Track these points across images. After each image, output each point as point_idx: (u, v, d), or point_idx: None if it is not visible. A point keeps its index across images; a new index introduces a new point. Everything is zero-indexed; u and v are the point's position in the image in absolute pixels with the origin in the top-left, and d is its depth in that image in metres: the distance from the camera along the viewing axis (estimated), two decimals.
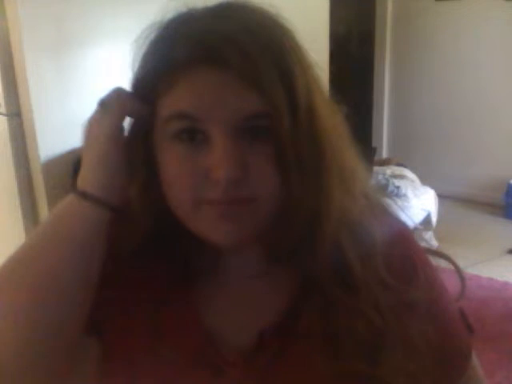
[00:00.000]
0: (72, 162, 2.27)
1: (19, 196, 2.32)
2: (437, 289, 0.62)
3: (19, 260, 0.55)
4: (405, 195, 2.78)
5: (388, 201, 0.66)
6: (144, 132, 0.57)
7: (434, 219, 2.86)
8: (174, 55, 0.52)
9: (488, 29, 3.62)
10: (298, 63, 0.53)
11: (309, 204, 0.54)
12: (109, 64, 2.33)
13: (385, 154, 4.27)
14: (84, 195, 0.54)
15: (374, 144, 4.16)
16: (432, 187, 2.94)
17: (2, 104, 2.23)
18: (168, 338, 0.59)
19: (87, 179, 0.56)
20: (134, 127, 0.58)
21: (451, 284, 0.63)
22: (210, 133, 0.51)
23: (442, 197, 3.13)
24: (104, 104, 0.56)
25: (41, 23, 2.11)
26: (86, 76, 2.27)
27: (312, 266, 0.56)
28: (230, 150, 0.50)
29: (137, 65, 0.56)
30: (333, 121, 0.56)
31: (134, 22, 2.57)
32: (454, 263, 0.64)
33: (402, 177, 2.93)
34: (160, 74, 0.53)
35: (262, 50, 0.50)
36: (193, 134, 0.52)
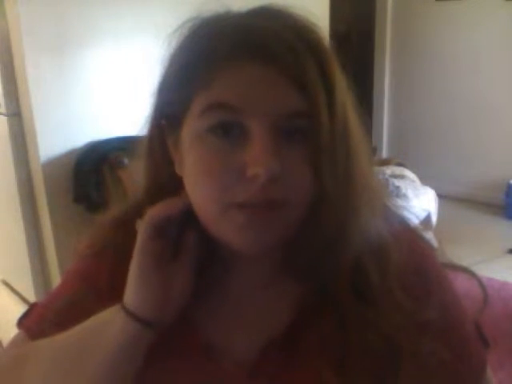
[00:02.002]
0: (72, 162, 2.27)
1: (19, 196, 2.32)
2: (451, 306, 0.60)
3: (54, 366, 0.56)
4: (405, 195, 2.77)
5: (391, 201, 0.65)
6: (164, 139, 0.57)
7: (434, 219, 2.85)
8: (217, 47, 0.50)
9: (488, 29, 3.62)
10: (336, 67, 0.52)
11: (338, 213, 0.52)
12: (109, 64, 2.33)
13: (385, 154, 4.26)
14: (125, 310, 0.54)
15: (374, 144, 4.15)
16: (432, 187, 2.93)
17: (2, 104, 2.22)
18: (169, 353, 0.58)
19: (128, 295, 0.55)
20: (154, 132, 0.58)
21: (465, 287, 0.62)
22: (248, 127, 0.50)
23: (441, 197, 3.12)
24: (137, 224, 0.56)
25: (41, 23, 2.11)
26: (86, 76, 2.27)
27: (330, 279, 0.54)
28: (270, 145, 0.49)
29: (170, 59, 0.55)
30: (360, 129, 0.55)
31: (135, 22, 2.57)
32: (476, 277, 0.63)
33: (402, 177, 2.93)
34: (201, 66, 0.51)
35: (307, 49, 0.50)
36: (228, 129, 0.50)
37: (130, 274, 0.55)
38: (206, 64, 0.51)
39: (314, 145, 0.50)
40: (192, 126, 0.52)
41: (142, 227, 0.54)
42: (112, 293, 0.57)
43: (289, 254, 0.56)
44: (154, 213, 0.54)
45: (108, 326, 0.55)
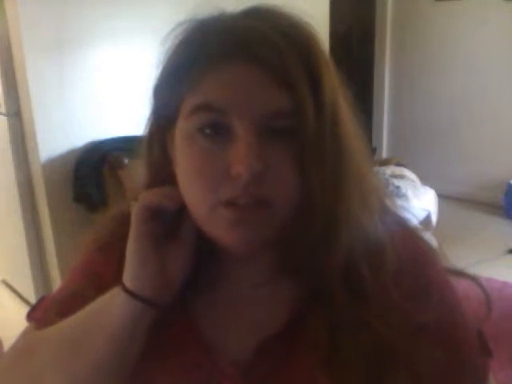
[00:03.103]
0: (72, 162, 2.27)
1: (19, 196, 2.32)
2: (451, 309, 0.59)
3: (61, 346, 0.58)
4: (405, 195, 2.77)
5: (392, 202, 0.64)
6: (163, 139, 0.57)
7: (434, 219, 2.85)
8: (204, 50, 0.52)
9: (488, 29, 3.62)
10: (325, 65, 0.53)
11: (326, 212, 0.52)
12: (109, 64, 2.33)
13: (385, 154, 4.26)
14: (125, 289, 0.55)
15: (373, 144, 4.16)
16: (432, 187, 2.93)
17: (2, 104, 2.22)
18: (166, 351, 0.59)
19: (126, 274, 0.56)
20: (152, 134, 0.59)
21: (463, 288, 0.62)
22: (233, 127, 0.50)
23: (442, 197, 3.12)
24: (133, 204, 0.57)
25: (41, 23, 2.11)
26: (86, 76, 2.27)
27: (323, 276, 0.54)
28: (253, 145, 0.49)
29: (164, 61, 0.56)
30: (354, 127, 0.55)
31: (134, 22, 2.57)
32: (478, 283, 0.62)
33: (401, 177, 2.93)
34: (189, 68, 0.52)
35: (292, 49, 0.50)
36: (215, 129, 0.51)
37: (127, 254, 0.56)
38: (194, 66, 0.52)
39: (301, 144, 0.51)
40: (181, 127, 0.54)
41: (136, 209, 0.55)
42: (118, 285, 0.58)
43: (282, 253, 0.56)
44: (149, 199, 0.56)
45: (109, 306, 0.56)
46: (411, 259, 0.59)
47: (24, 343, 0.63)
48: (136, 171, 0.62)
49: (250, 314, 0.60)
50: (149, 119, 0.59)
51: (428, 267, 0.61)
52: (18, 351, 0.63)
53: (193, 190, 0.53)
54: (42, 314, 0.65)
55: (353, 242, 0.54)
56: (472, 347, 0.59)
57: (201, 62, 0.51)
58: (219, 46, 0.51)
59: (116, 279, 0.58)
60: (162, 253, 0.56)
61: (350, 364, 0.53)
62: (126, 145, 2.18)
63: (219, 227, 0.52)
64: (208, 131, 0.51)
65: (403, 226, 0.63)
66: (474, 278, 0.62)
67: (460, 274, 0.63)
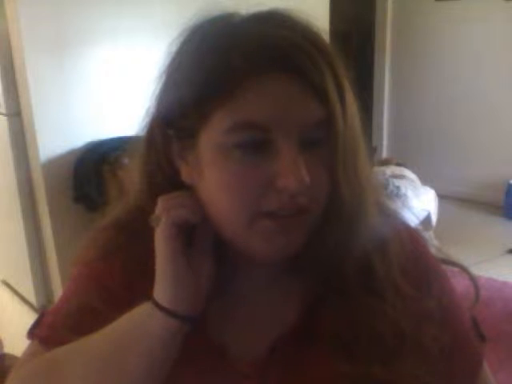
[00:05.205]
0: (72, 162, 2.27)
1: (19, 196, 2.32)
2: (449, 296, 0.62)
3: (94, 368, 0.56)
4: (405, 195, 2.77)
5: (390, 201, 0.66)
6: (167, 149, 0.56)
7: (434, 219, 2.85)
8: (236, 61, 0.49)
9: (488, 29, 3.62)
10: (345, 73, 0.53)
11: (350, 217, 0.54)
12: (109, 64, 2.33)
13: (385, 154, 4.26)
14: (157, 305, 0.54)
15: (374, 144, 4.16)
16: (432, 187, 2.94)
17: (2, 104, 2.22)
18: (180, 357, 0.57)
19: (162, 293, 0.55)
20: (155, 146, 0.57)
21: (464, 286, 0.63)
22: (276, 141, 0.50)
23: (441, 197, 3.12)
24: (154, 219, 0.55)
25: (41, 23, 2.11)
26: (86, 76, 2.27)
27: (338, 271, 0.56)
28: (299, 158, 0.50)
29: (177, 70, 0.54)
30: (359, 126, 0.56)
31: (135, 22, 2.57)
32: (468, 272, 0.64)
33: (401, 177, 2.92)
34: (219, 80, 0.50)
35: (323, 59, 0.50)
36: (256, 143, 0.51)
37: (162, 272, 0.54)
38: (224, 78, 0.50)
39: (330, 150, 0.52)
40: (214, 141, 0.52)
41: (165, 227, 0.54)
42: (125, 294, 0.57)
43: (301, 254, 0.56)
44: (176, 215, 0.54)
45: (145, 326, 0.55)
46: (412, 249, 0.62)
47: (40, 364, 0.59)
48: (134, 171, 0.62)
49: (262, 312, 0.60)
50: (151, 126, 0.58)
51: (428, 260, 0.64)
52: (33, 373, 0.59)
53: (230, 203, 0.52)
54: (47, 331, 0.62)
55: (367, 240, 0.56)
56: (469, 328, 0.63)
57: (234, 74, 0.49)
58: (255, 57, 0.49)
59: (124, 290, 0.58)
60: (192, 266, 0.55)
61: (369, 350, 0.55)
62: (125, 145, 2.17)
63: (258, 237, 0.53)
64: (248, 145, 0.51)
65: (402, 221, 0.66)
66: (463, 268, 0.65)
67: (450, 262, 0.66)
